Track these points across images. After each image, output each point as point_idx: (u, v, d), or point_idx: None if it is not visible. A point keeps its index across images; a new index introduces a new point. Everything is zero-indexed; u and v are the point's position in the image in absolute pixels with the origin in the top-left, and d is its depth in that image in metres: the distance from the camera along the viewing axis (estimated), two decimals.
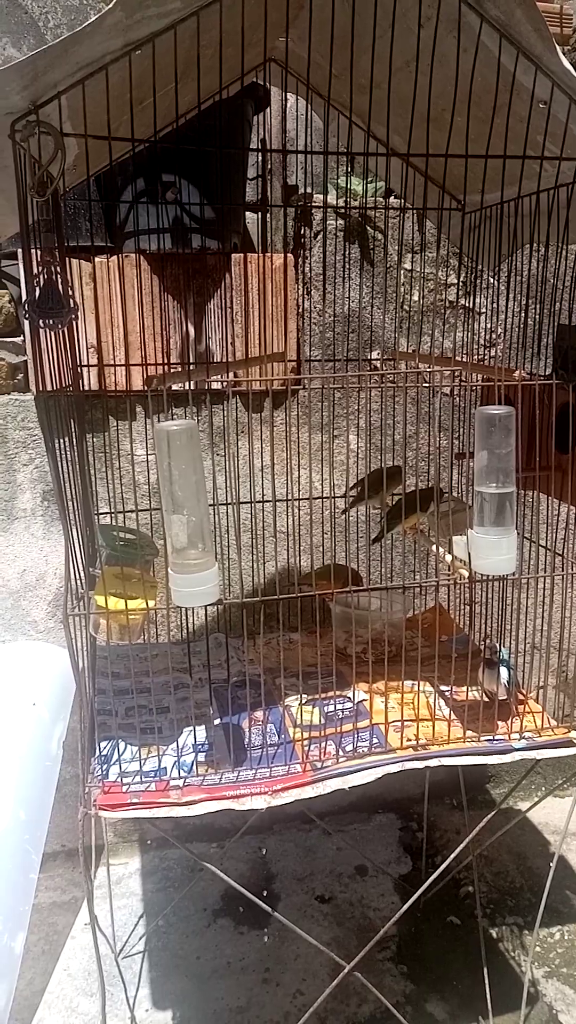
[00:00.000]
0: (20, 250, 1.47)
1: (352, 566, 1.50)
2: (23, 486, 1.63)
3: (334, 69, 1.05)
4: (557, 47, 0.86)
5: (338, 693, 1.29)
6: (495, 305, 1.74)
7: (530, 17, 0.84)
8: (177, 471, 0.91)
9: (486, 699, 1.24)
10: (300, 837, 1.87)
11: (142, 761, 1.10)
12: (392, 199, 1.73)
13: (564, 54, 0.90)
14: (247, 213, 1.74)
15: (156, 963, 1.52)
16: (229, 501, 1.39)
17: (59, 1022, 1.40)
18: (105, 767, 1.09)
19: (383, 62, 0.97)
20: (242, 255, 1.60)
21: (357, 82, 1.04)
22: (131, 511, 1.39)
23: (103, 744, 1.15)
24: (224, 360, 1.60)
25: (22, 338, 1.62)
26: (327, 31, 0.96)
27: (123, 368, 1.55)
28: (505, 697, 1.22)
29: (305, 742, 1.15)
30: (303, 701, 1.26)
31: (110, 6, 0.74)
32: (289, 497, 1.42)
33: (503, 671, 1.21)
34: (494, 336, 1.78)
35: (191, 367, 1.54)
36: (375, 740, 1.14)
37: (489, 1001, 1.39)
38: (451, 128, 0.98)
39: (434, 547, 1.21)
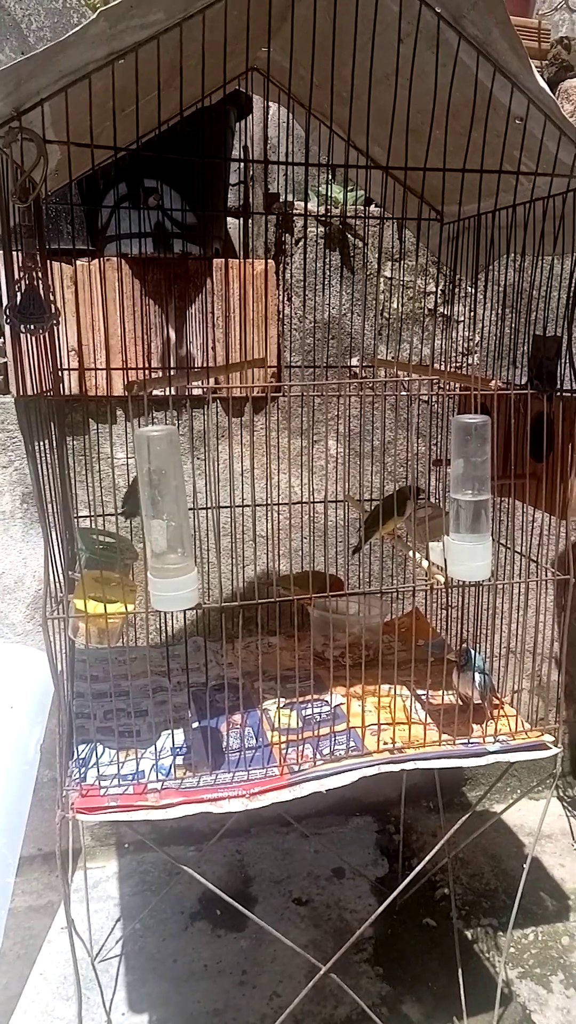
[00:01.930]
0: (1, 254, 1.47)
1: (332, 572, 1.51)
2: (2, 488, 1.62)
3: (315, 80, 1.07)
4: (533, 66, 0.88)
5: (315, 697, 1.30)
6: (473, 314, 1.76)
7: (506, 36, 0.86)
8: (157, 476, 0.92)
9: (461, 703, 1.26)
10: (277, 840, 1.88)
11: (120, 764, 1.11)
12: (372, 207, 1.75)
13: (542, 68, 0.92)
14: (229, 219, 1.75)
15: (133, 967, 1.52)
16: (209, 505, 1.40)
17: None
18: (83, 770, 1.10)
19: (364, 74, 0.98)
20: (224, 261, 1.60)
21: (338, 93, 1.05)
22: (111, 514, 1.39)
23: (81, 747, 1.15)
24: (205, 365, 1.61)
25: (1, 340, 1.62)
26: (309, 43, 0.98)
27: (103, 371, 1.55)
28: (480, 701, 1.24)
29: (282, 745, 1.16)
30: (281, 705, 1.27)
31: (94, 16, 0.75)
32: (268, 501, 1.43)
33: (477, 676, 1.23)
34: (471, 344, 1.80)
35: (172, 372, 1.54)
36: (352, 743, 1.15)
37: (464, 1002, 1.41)
38: (430, 141, 1.00)
39: (411, 553, 1.23)
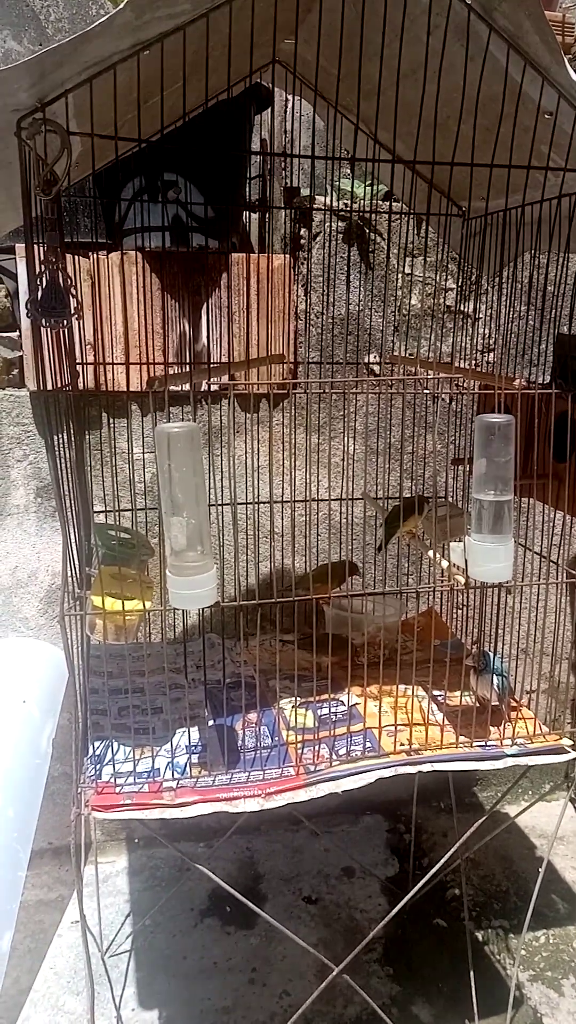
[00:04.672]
0: (21, 246, 1.46)
1: (347, 559, 1.50)
2: (16, 482, 1.62)
3: (341, 73, 1.05)
4: (564, 59, 0.87)
5: (331, 696, 1.29)
6: (492, 311, 1.75)
7: (538, 29, 0.85)
8: (177, 473, 0.91)
9: (478, 705, 1.25)
10: (288, 838, 1.88)
11: (135, 762, 1.10)
12: (392, 202, 1.73)
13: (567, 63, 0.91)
14: (247, 213, 1.73)
15: (142, 962, 1.52)
16: (224, 501, 1.39)
17: (45, 1021, 1.40)
18: (98, 767, 1.09)
19: (391, 68, 0.97)
20: (242, 255, 1.59)
21: (364, 87, 1.03)
22: (127, 510, 1.39)
23: (96, 744, 1.15)
24: (221, 360, 1.60)
25: (17, 333, 1.61)
26: (335, 35, 0.96)
27: (119, 366, 1.54)
28: (497, 703, 1.23)
29: (298, 745, 1.15)
30: (296, 704, 1.26)
31: (120, 7, 0.74)
32: (285, 498, 1.41)
33: (495, 678, 1.21)
34: (491, 342, 1.78)
35: (192, 369, 1.53)
36: (368, 744, 1.15)
37: (475, 1004, 1.40)
38: (457, 135, 0.98)
39: (430, 552, 1.22)
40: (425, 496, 1.28)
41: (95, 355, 1.54)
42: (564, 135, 0.95)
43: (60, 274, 0.89)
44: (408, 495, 1.35)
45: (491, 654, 1.24)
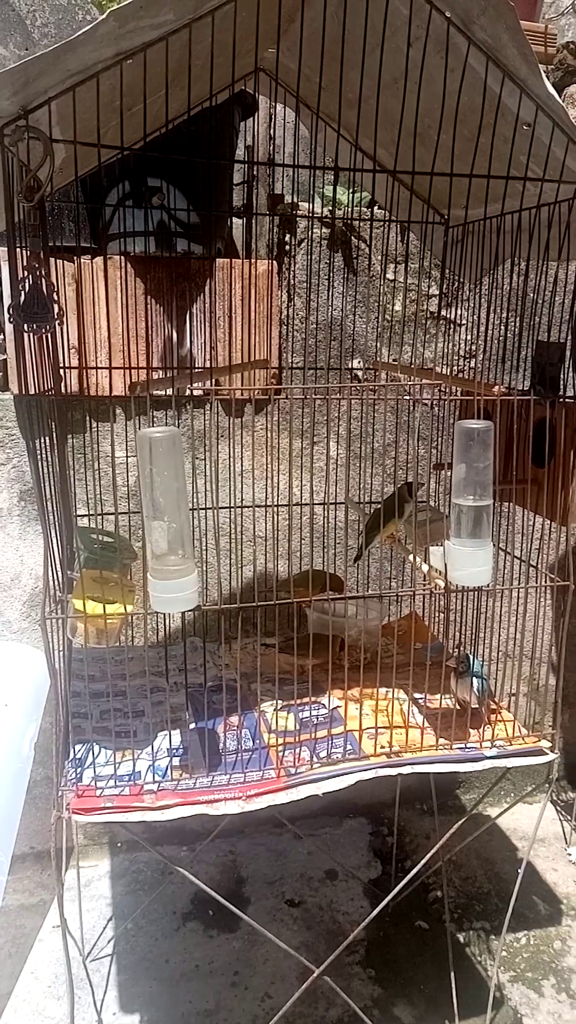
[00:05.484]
0: (3, 251, 1.46)
1: (331, 571, 1.51)
2: None
3: (323, 82, 1.06)
4: (542, 71, 0.88)
5: (313, 699, 1.30)
6: (475, 318, 1.76)
7: (516, 42, 0.86)
8: (159, 477, 0.92)
9: (458, 707, 1.26)
10: (271, 841, 1.88)
11: (116, 765, 1.10)
12: (376, 209, 1.75)
13: (547, 74, 0.92)
14: (231, 219, 1.74)
15: (124, 966, 1.52)
16: (208, 506, 1.40)
17: None
18: (79, 770, 1.09)
19: (372, 78, 0.98)
20: (226, 260, 1.60)
21: (345, 96, 1.05)
22: (110, 513, 1.39)
23: (77, 747, 1.15)
24: (205, 365, 1.60)
25: (1, 337, 1.61)
26: (317, 45, 0.98)
27: (103, 370, 1.54)
28: (477, 706, 1.24)
29: (279, 748, 1.15)
30: (278, 707, 1.27)
31: (103, 16, 0.75)
32: (268, 503, 1.42)
33: (475, 681, 1.23)
34: (473, 348, 1.80)
35: (174, 374, 1.54)
36: (349, 747, 1.15)
37: (456, 1005, 1.41)
38: (437, 145, 1.00)
39: (411, 556, 1.23)
40: (409, 482, 1.28)
41: (79, 359, 1.54)
42: (542, 146, 0.97)
43: (43, 280, 0.90)
44: (393, 493, 1.36)
45: (471, 657, 1.25)
